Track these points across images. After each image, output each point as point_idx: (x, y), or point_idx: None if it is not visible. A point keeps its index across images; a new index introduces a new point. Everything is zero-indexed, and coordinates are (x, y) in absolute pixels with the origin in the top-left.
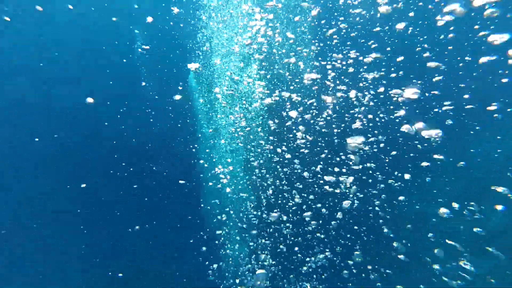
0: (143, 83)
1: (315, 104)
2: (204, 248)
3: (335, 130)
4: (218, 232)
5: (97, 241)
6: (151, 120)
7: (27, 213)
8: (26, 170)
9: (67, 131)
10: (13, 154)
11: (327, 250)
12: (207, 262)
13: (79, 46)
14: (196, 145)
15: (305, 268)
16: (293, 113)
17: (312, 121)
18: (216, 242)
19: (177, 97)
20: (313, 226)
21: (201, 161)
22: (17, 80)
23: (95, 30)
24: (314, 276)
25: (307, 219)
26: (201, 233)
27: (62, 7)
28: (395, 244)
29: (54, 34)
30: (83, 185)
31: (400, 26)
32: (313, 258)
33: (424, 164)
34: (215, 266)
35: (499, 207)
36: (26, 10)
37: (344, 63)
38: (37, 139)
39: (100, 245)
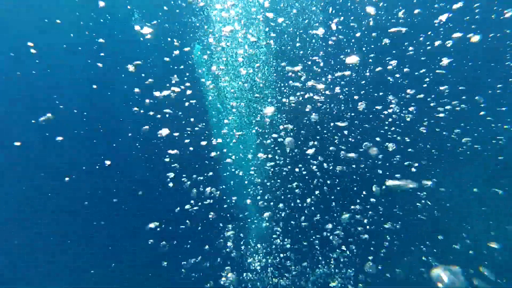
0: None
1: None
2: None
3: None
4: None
5: (97, 241)
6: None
7: (27, 213)
8: (26, 170)
9: (68, 125)
10: (12, 154)
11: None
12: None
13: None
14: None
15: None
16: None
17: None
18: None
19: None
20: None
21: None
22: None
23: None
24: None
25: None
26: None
27: None
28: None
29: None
30: (84, 184)
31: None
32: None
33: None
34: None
35: None
36: None
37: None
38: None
39: (101, 245)
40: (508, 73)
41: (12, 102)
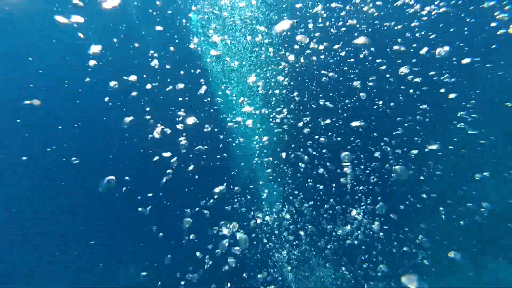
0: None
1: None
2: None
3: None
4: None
5: (98, 241)
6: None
7: (27, 213)
8: (26, 170)
9: (68, 125)
10: (12, 154)
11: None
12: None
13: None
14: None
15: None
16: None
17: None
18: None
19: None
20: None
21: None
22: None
23: None
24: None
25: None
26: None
27: None
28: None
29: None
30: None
31: None
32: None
33: None
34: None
35: None
36: None
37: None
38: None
39: (101, 245)
40: None
41: (12, 102)
